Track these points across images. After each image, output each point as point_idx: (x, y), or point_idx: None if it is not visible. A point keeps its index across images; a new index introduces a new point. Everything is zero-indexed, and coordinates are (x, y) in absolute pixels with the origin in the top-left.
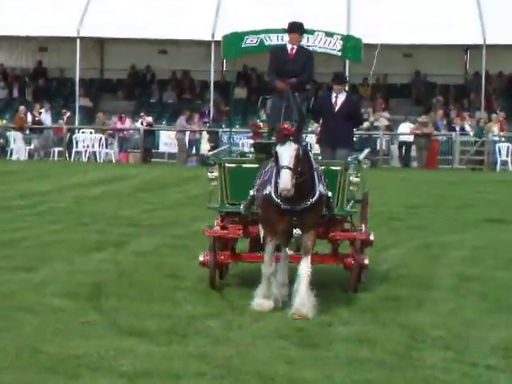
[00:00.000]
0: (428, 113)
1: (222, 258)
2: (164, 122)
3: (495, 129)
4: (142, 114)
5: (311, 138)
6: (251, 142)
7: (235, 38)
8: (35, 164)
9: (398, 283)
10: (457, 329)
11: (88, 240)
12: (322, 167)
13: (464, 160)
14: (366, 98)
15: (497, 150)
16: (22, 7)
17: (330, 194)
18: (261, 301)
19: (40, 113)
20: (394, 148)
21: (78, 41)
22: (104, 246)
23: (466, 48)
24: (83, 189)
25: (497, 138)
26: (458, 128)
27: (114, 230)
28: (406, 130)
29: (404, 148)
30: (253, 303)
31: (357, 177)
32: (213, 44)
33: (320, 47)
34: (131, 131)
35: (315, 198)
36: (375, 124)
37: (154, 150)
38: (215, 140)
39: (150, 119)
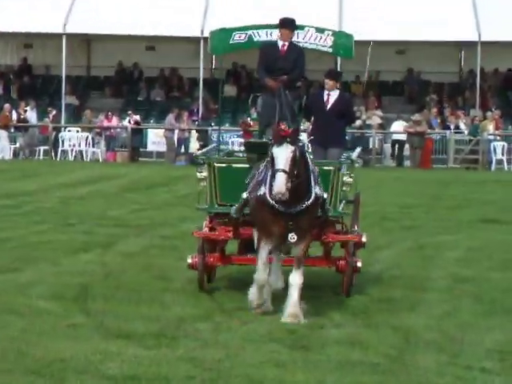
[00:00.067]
0: (421, 111)
1: (211, 260)
2: (152, 121)
3: (490, 127)
4: (129, 112)
5: (303, 137)
6: (241, 140)
7: (223, 34)
8: (20, 163)
9: (391, 285)
10: (451, 331)
11: (74, 241)
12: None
13: (458, 159)
14: (359, 96)
15: (492, 148)
16: (7, 3)
17: (325, 195)
18: (257, 309)
19: (25, 111)
20: (387, 147)
21: (64, 37)
22: (91, 246)
23: (460, 45)
24: (69, 188)
25: (492, 137)
26: (452, 126)
27: (101, 231)
28: (398, 128)
29: (397, 147)
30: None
31: (350, 177)
32: (202, 41)
33: (310, 43)
34: (118, 130)
35: (311, 200)
36: (368, 122)
37: (141, 149)
38: (204, 138)
39: (137, 117)
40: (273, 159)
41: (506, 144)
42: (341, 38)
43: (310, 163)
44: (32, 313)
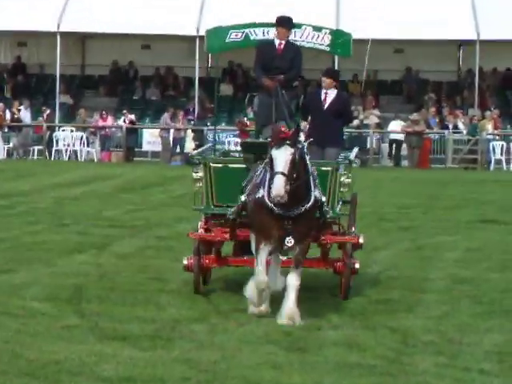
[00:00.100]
0: (419, 110)
1: (207, 261)
2: (147, 120)
3: (489, 127)
4: (124, 111)
5: (301, 138)
6: (237, 140)
7: (219, 33)
8: (14, 163)
9: (389, 286)
10: (449, 333)
11: (69, 241)
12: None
13: (457, 159)
14: (356, 95)
15: (491, 148)
16: (0, 1)
17: (324, 198)
18: (256, 310)
19: (19, 110)
20: (385, 147)
21: (59, 36)
22: (85, 247)
23: (459, 44)
24: (64, 189)
25: (491, 137)
26: (450, 126)
27: (96, 231)
28: (396, 127)
29: (394, 146)
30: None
31: (348, 177)
32: (197, 39)
33: (308, 42)
34: (113, 129)
35: (310, 203)
36: (365, 122)
37: (136, 149)
38: (200, 138)
39: (132, 117)
40: (272, 161)
41: (504, 144)
42: (339, 36)
43: (310, 166)
44: (26, 314)
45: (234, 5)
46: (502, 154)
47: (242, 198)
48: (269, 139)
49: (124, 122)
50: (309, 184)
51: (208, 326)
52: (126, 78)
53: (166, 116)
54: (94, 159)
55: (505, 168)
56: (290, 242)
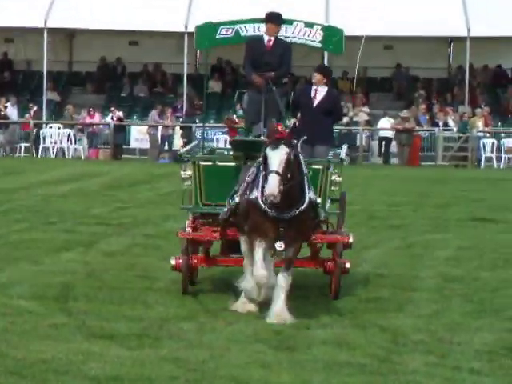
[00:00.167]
0: (409, 107)
1: (195, 261)
2: (135, 117)
3: (479, 124)
4: (112, 108)
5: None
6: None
7: (209, 29)
8: (1, 160)
9: (379, 284)
10: (440, 332)
11: (56, 239)
12: None
13: (447, 156)
14: (346, 92)
15: (481, 146)
16: None
17: (319, 200)
18: (240, 307)
19: (5, 107)
20: (375, 144)
21: (46, 32)
22: (73, 245)
23: (449, 40)
24: (51, 186)
25: (481, 134)
26: (441, 123)
27: (83, 229)
28: (385, 125)
29: (384, 144)
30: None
31: (339, 176)
32: (186, 36)
33: (299, 38)
34: (101, 126)
35: (304, 206)
36: (355, 119)
37: (124, 146)
38: (188, 135)
39: (120, 114)
40: (266, 160)
41: (495, 141)
42: (330, 32)
43: (304, 167)
44: (13, 313)
45: (223, 1)
46: (492, 152)
47: (237, 199)
48: (262, 137)
49: (112, 119)
50: (303, 185)
51: (196, 325)
52: (114, 75)
53: (154, 113)
54: (81, 156)
55: (495, 166)
56: (279, 246)
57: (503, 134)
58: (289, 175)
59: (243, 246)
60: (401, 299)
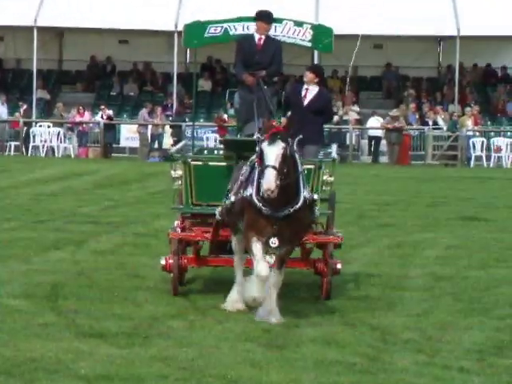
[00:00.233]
0: (399, 106)
1: (186, 261)
2: (125, 116)
3: (469, 123)
4: (102, 106)
5: None
6: (216, 136)
7: (197, 27)
8: None
9: (369, 283)
10: (429, 331)
11: (46, 238)
12: None
13: (437, 155)
14: (336, 91)
15: (471, 144)
16: None
17: (316, 196)
18: (230, 306)
19: None
20: (364, 143)
21: (36, 30)
22: (62, 244)
23: (439, 39)
24: (41, 185)
25: (471, 133)
26: (430, 122)
27: (73, 228)
28: (374, 124)
29: (374, 143)
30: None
31: (330, 176)
32: (176, 34)
33: (289, 37)
34: (91, 125)
35: (299, 204)
36: (345, 118)
37: (114, 145)
38: (178, 134)
39: (110, 112)
40: (262, 156)
41: (484, 140)
42: (320, 31)
43: (300, 165)
44: (2, 311)
45: (213, 0)
46: (482, 151)
47: (232, 198)
48: (255, 136)
49: (101, 117)
50: (298, 184)
51: (186, 324)
52: (104, 74)
53: (143, 112)
54: (71, 155)
55: (485, 165)
56: (273, 243)
57: (493, 133)
58: (285, 170)
59: (235, 246)
60: (390, 298)
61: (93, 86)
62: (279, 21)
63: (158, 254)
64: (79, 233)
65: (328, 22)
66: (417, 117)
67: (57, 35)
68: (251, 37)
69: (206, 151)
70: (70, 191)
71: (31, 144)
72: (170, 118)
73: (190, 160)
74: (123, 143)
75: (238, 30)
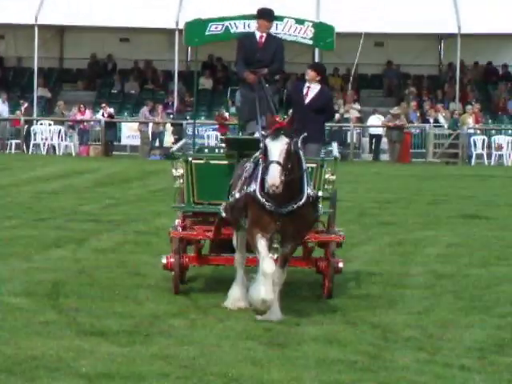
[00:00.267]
0: (400, 104)
1: (187, 260)
2: (126, 114)
3: (470, 121)
4: (103, 104)
5: None
6: (217, 134)
7: (198, 25)
8: None
9: (370, 281)
10: (430, 329)
11: (47, 236)
12: None
13: (438, 153)
14: (337, 89)
15: (472, 142)
16: None
17: (320, 193)
18: (230, 304)
19: None
20: (365, 141)
21: (37, 28)
22: (63, 242)
23: (440, 37)
24: (42, 183)
25: (472, 131)
26: (431, 120)
27: (74, 226)
28: (375, 122)
29: (374, 141)
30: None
31: (332, 174)
32: (177, 32)
33: (290, 35)
34: (92, 123)
35: (303, 201)
36: (346, 116)
37: (115, 143)
38: (179, 132)
39: (111, 110)
40: (266, 151)
41: (485, 138)
42: (321, 29)
43: (304, 162)
44: (3, 309)
45: None
46: (482, 149)
47: (237, 195)
48: (256, 134)
49: (102, 115)
50: (302, 180)
51: (187, 322)
52: (105, 72)
53: (144, 110)
54: (72, 153)
55: (486, 163)
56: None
57: (494, 131)
58: (289, 166)
59: (236, 243)
60: (391, 296)
61: (94, 84)
62: (280, 18)
63: (158, 252)
64: (80, 231)
65: (329, 20)
66: (418, 115)
67: (58, 33)
68: (252, 35)
69: (206, 150)
70: (70, 189)
71: (32, 142)
72: (171, 116)
73: (191, 158)
74: (124, 141)
75: (239, 27)
